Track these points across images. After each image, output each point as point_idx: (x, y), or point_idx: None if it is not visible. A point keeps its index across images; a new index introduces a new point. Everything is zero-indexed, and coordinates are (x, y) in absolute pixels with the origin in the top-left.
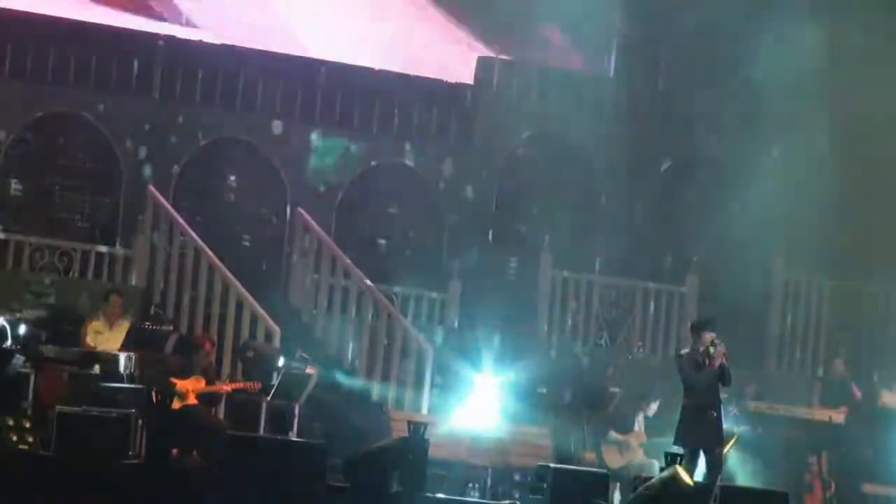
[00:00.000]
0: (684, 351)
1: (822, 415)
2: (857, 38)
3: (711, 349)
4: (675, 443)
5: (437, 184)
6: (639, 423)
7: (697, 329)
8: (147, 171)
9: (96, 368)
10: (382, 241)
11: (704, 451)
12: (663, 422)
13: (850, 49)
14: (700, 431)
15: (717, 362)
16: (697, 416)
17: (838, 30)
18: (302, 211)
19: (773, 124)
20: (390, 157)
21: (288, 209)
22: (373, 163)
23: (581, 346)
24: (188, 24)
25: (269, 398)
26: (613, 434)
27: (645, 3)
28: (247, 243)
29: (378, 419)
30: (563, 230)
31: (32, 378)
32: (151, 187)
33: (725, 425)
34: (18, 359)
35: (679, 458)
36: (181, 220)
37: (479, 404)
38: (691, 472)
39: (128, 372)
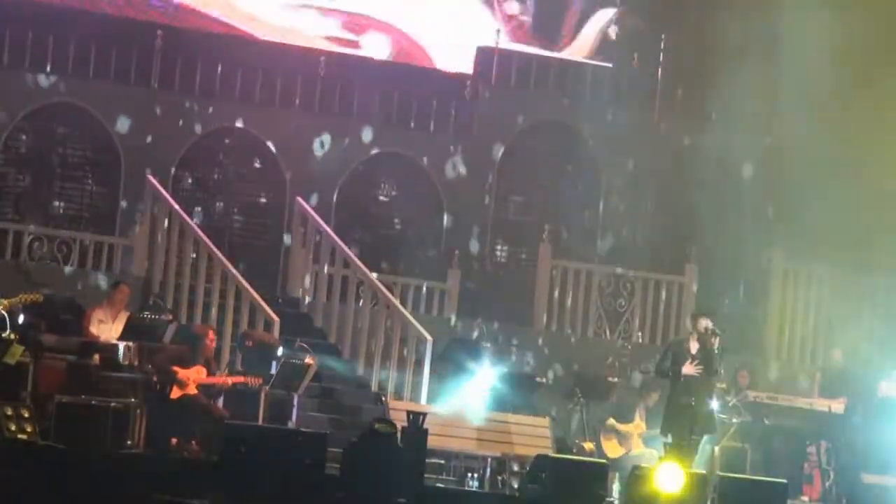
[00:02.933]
0: (676, 339)
1: (821, 405)
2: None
3: (711, 337)
4: (662, 433)
5: (436, 173)
6: (639, 414)
7: (695, 316)
8: (146, 160)
9: (95, 358)
10: (382, 231)
11: (693, 439)
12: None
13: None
14: (684, 421)
15: (707, 346)
16: (682, 406)
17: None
18: (301, 200)
19: (772, 115)
20: (390, 146)
21: (287, 199)
22: (372, 152)
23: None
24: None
25: (268, 388)
26: (613, 424)
27: None
28: (246, 233)
29: (377, 409)
30: (563, 220)
31: (31, 367)
32: (150, 177)
33: (724, 415)
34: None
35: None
36: (180, 210)
37: (477, 394)
38: (689, 462)
39: (127, 361)
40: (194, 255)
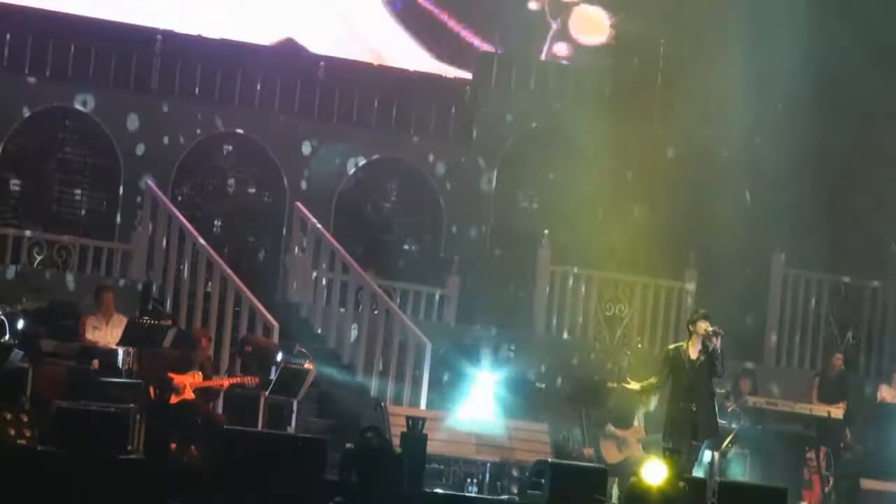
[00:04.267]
0: (673, 346)
1: (820, 410)
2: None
3: (713, 337)
4: (663, 439)
5: (435, 179)
6: (638, 419)
7: (693, 321)
8: (145, 165)
9: (95, 363)
10: (381, 236)
11: (694, 445)
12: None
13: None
14: (685, 427)
15: (710, 348)
16: (683, 412)
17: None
18: (300, 206)
19: (773, 115)
20: (389, 152)
21: (287, 204)
22: (371, 158)
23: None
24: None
25: (267, 393)
26: (612, 429)
27: None
28: (245, 238)
29: (377, 414)
30: (562, 224)
31: (31, 373)
32: (150, 182)
33: (723, 421)
34: (17, 353)
35: (675, 454)
36: (179, 215)
37: (477, 399)
38: (689, 468)
39: (126, 367)
40: (193, 261)
